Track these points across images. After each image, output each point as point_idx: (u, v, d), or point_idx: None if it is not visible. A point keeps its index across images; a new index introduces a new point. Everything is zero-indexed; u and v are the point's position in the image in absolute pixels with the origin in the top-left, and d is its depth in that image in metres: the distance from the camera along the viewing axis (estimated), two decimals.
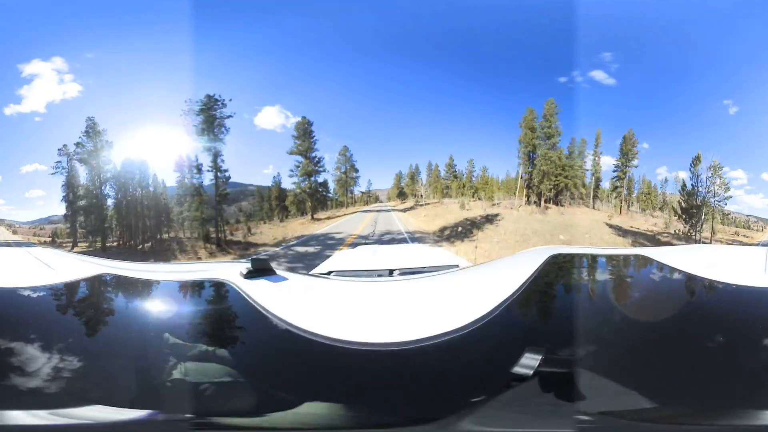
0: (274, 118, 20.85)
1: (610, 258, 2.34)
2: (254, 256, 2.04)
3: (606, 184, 22.16)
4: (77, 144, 16.83)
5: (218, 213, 17.84)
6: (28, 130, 17.38)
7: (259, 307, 1.28)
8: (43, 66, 16.59)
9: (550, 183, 20.62)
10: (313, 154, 21.04)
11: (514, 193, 22.19)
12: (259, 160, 23.84)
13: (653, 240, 17.36)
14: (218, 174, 17.62)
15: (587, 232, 18.07)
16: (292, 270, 1.87)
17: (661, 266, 1.86)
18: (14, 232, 18.48)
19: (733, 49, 16.47)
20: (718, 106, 17.58)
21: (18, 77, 16.66)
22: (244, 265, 1.65)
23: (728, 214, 18.83)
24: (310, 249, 16.87)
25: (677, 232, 17.77)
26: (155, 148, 17.62)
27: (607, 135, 21.01)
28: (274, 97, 22.35)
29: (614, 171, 21.17)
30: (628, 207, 20.94)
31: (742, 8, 15.57)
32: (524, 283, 1.44)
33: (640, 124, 20.17)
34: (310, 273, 2.18)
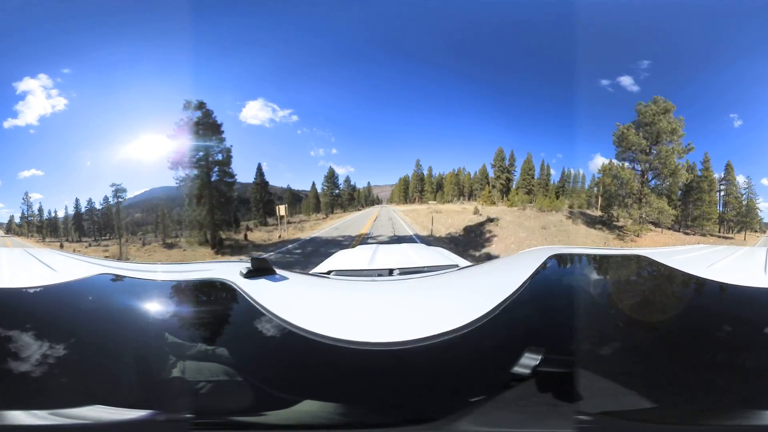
0: (260, 113, 20.27)
1: (609, 258, 2.34)
2: (254, 256, 2.05)
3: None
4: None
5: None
6: (25, 140, 18.74)
7: (258, 307, 1.28)
8: (33, 83, 18.38)
9: None
10: None
11: None
12: (252, 157, 23.38)
13: None
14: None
15: None
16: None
17: (661, 266, 1.86)
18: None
19: (740, 67, 17.63)
20: (724, 118, 19.01)
21: (14, 95, 18.33)
22: (244, 265, 1.65)
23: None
24: None
25: None
26: (144, 151, 18.15)
27: (610, 138, 21.38)
28: (256, 91, 21.60)
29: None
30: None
31: (751, 33, 16.57)
32: (524, 283, 1.44)
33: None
34: (310, 273, 2.18)
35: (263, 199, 21.92)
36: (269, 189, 22.59)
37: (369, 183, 27.74)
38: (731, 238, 16.39)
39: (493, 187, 24.31)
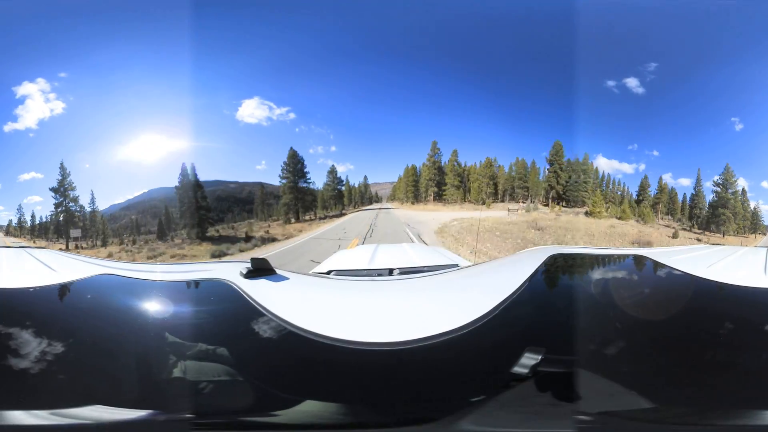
0: (256, 112, 19.54)
1: (609, 258, 2.34)
2: (254, 256, 2.05)
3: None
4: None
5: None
6: (25, 144, 19.37)
7: (258, 307, 1.28)
8: (32, 87, 19.17)
9: None
10: None
11: None
12: (250, 156, 22.95)
13: None
14: None
15: None
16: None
17: (661, 266, 1.86)
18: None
19: (742, 72, 18.22)
20: (726, 122, 19.89)
21: (13, 99, 19.02)
22: (244, 265, 1.65)
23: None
24: None
25: None
26: (142, 152, 18.46)
27: (613, 138, 21.69)
28: (251, 90, 21.00)
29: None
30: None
31: (754, 39, 17.13)
32: (524, 283, 1.44)
33: (651, 132, 21.62)
34: (310, 273, 2.18)
35: (198, 205, 16.84)
36: (270, 190, 21.36)
37: (366, 177, 23.55)
38: (747, 237, 21.51)
39: (551, 187, 20.77)
